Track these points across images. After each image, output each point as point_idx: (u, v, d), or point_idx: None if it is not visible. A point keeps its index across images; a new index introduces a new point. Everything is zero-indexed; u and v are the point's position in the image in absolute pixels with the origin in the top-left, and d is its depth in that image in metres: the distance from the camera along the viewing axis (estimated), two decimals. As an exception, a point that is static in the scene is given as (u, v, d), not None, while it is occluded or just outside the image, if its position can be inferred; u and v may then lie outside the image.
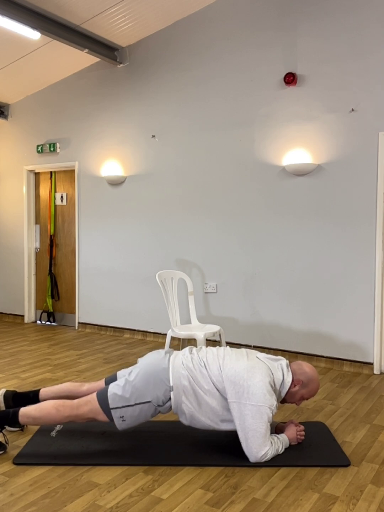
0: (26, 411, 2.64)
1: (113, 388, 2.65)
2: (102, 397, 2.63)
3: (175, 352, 2.83)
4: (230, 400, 2.57)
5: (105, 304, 5.84)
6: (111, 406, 2.61)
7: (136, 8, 4.75)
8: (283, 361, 2.76)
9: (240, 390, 2.55)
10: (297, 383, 2.72)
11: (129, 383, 2.63)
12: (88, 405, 2.63)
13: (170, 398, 2.62)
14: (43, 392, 3.00)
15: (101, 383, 2.96)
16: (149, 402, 2.61)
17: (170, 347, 4.26)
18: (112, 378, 2.92)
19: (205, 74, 5.01)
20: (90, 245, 5.94)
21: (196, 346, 5.01)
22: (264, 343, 4.78)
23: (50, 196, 6.38)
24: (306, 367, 2.78)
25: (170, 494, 2.31)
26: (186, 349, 2.84)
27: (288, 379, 2.68)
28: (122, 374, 2.89)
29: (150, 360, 2.74)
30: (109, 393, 2.63)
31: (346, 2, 4.25)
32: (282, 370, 2.70)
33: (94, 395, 2.66)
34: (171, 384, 2.62)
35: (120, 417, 2.62)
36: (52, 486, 2.38)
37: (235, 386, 2.56)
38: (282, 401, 2.79)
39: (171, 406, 2.65)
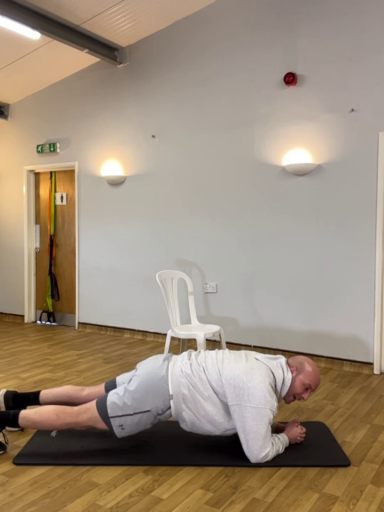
0: (26, 414, 2.64)
1: (112, 397, 2.64)
2: (101, 405, 2.63)
3: (174, 357, 2.81)
4: (231, 403, 2.56)
5: (105, 304, 5.84)
6: (110, 415, 2.60)
7: (136, 8, 4.75)
8: (282, 359, 2.75)
9: (240, 392, 2.54)
10: (292, 369, 2.71)
11: (128, 392, 2.62)
12: (88, 413, 2.62)
13: (170, 407, 2.62)
14: (43, 394, 3.00)
15: (101, 388, 2.95)
16: (148, 411, 2.60)
17: (170, 347, 4.26)
18: (112, 384, 2.91)
19: (205, 74, 5.02)
20: (90, 245, 5.94)
21: (196, 346, 5.02)
22: (264, 343, 4.78)
23: (50, 196, 6.38)
24: (298, 356, 2.80)
25: (170, 494, 2.31)
26: (185, 354, 2.82)
27: (288, 377, 2.67)
28: (121, 381, 2.88)
29: (148, 368, 2.72)
30: (108, 402, 2.62)
31: (346, 3, 4.25)
32: (282, 368, 2.69)
33: (94, 403, 2.65)
34: (171, 393, 2.61)
35: (119, 425, 2.61)
36: (52, 486, 2.38)
37: (235, 389, 2.56)
38: (289, 399, 2.76)
39: (171, 414, 2.64)
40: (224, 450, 2.73)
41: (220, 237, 4.99)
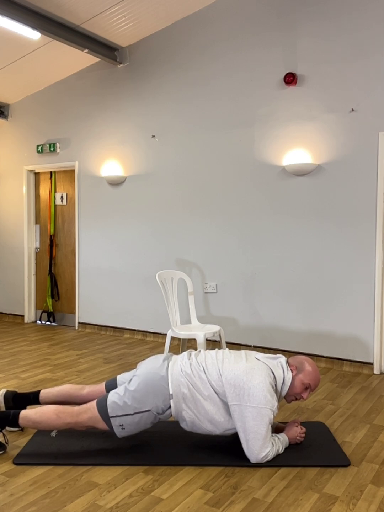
0: (27, 414, 2.64)
1: (112, 397, 2.64)
2: (102, 405, 2.63)
3: (174, 357, 2.82)
4: (231, 403, 2.56)
5: (105, 304, 5.84)
6: (110, 414, 2.60)
7: (136, 8, 4.75)
8: (282, 359, 2.75)
9: (241, 392, 2.54)
10: (292, 369, 2.71)
11: (128, 392, 2.62)
12: (88, 413, 2.62)
13: (170, 406, 2.62)
14: (43, 394, 3.00)
15: (101, 387, 2.95)
16: (148, 411, 2.60)
17: (170, 347, 4.26)
18: (112, 383, 2.91)
19: (205, 74, 5.02)
20: (90, 245, 5.94)
21: (196, 346, 5.02)
22: (264, 343, 4.78)
23: (50, 196, 6.38)
24: (298, 356, 2.81)
25: (170, 494, 2.31)
26: (185, 354, 2.83)
27: (288, 376, 2.67)
28: (121, 380, 2.88)
29: (149, 368, 2.72)
30: (108, 402, 2.62)
31: (346, 3, 4.25)
32: (282, 368, 2.69)
33: (94, 403, 2.66)
34: (171, 392, 2.61)
35: (120, 425, 2.61)
36: (52, 486, 2.38)
37: (235, 388, 2.56)
38: (289, 399, 2.76)
39: (171, 413, 2.65)
40: (224, 450, 2.73)
41: (220, 237, 4.99)
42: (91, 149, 5.85)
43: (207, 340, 4.84)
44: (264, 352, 4.72)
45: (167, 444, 2.80)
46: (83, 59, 5.62)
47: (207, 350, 2.88)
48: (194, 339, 5.05)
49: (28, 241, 6.51)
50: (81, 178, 5.97)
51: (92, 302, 5.95)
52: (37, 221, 6.57)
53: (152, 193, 5.43)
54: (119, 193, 5.67)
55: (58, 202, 6.33)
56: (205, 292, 5.10)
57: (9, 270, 6.69)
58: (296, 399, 2.75)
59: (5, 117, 6.56)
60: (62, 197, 6.30)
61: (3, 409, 2.97)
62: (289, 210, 4.60)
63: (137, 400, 2.60)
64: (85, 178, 5.93)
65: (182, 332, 4.08)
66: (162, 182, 5.35)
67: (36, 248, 6.58)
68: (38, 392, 3.01)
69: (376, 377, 4.17)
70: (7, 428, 2.94)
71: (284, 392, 2.69)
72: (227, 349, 2.86)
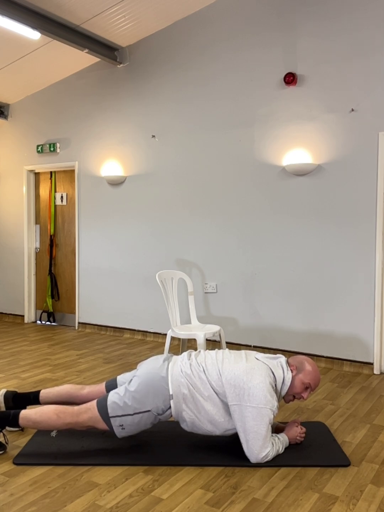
0: (27, 414, 2.64)
1: (112, 397, 2.64)
2: (102, 405, 2.63)
3: (174, 358, 2.82)
4: (231, 403, 2.56)
5: (105, 304, 5.84)
6: (110, 414, 2.60)
7: (136, 8, 4.75)
8: (282, 358, 2.75)
9: (241, 392, 2.54)
10: (292, 368, 2.71)
11: (128, 393, 2.62)
12: (88, 413, 2.62)
13: (170, 407, 2.62)
14: (44, 394, 3.00)
15: (101, 387, 2.95)
16: (148, 411, 2.60)
17: (170, 347, 4.26)
18: (112, 383, 2.92)
19: (205, 74, 5.02)
20: (90, 245, 5.94)
21: (196, 346, 5.02)
22: (264, 343, 4.78)
23: (50, 196, 6.38)
24: (298, 356, 2.81)
25: (170, 494, 2.31)
26: (185, 354, 2.83)
27: (288, 376, 2.67)
28: (122, 380, 2.88)
29: (149, 368, 2.72)
30: (108, 402, 2.63)
31: (346, 3, 4.25)
32: (282, 367, 2.69)
33: (94, 403, 2.66)
34: (171, 393, 2.61)
35: (120, 425, 2.61)
36: (52, 486, 2.38)
37: (235, 388, 2.56)
38: (288, 399, 2.76)
39: (171, 414, 2.65)
40: (224, 450, 2.73)
41: (220, 237, 4.99)
42: (91, 149, 5.85)
43: (207, 340, 4.84)
44: (264, 352, 4.72)
45: (167, 444, 2.80)
46: (83, 59, 5.62)
47: (207, 350, 2.88)
48: (194, 339, 5.05)
49: (28, 241, 6.51)
50: (81, 178, 5.97)
51: (92, 302, 5.95)
52: (37, 221, 6.57)
53: (152, 193, 5.43)
54: (119, 193, 5.67)
55: (58, 202, 6.34)
56: (205, 292, 5.10)
57: (9, 270, 6.69)
58: (295, 398, 2.75)
59: (5, 117, 6.56)
60: (62, 197, 6.30)
61: (3, 409, 2.97)
62: (289, 210, 4.60)
63: (137, 400, 2.60)
64: (85, 178, 5.93)
65: (182, 332, 4.08)
66: (162, 182, 5.35)
67: (36, 248, 6.58)
68: (38, 392, 3.01)
69: (376, 377, 4.17)
70: (7, 428, 2.94)
71: (284, 392, 2.69)
72: (227, 349, 2.86)
